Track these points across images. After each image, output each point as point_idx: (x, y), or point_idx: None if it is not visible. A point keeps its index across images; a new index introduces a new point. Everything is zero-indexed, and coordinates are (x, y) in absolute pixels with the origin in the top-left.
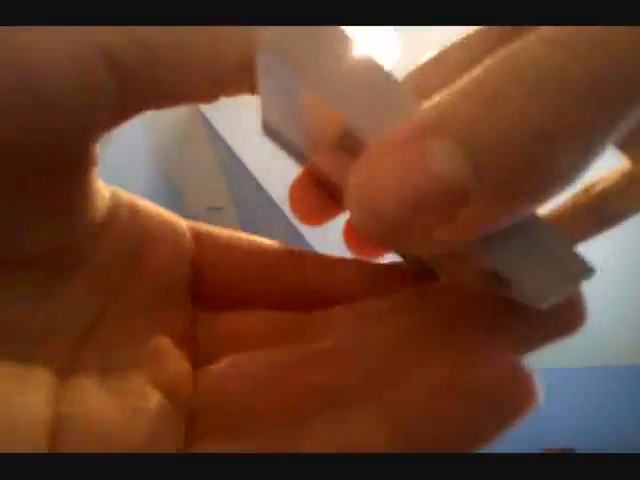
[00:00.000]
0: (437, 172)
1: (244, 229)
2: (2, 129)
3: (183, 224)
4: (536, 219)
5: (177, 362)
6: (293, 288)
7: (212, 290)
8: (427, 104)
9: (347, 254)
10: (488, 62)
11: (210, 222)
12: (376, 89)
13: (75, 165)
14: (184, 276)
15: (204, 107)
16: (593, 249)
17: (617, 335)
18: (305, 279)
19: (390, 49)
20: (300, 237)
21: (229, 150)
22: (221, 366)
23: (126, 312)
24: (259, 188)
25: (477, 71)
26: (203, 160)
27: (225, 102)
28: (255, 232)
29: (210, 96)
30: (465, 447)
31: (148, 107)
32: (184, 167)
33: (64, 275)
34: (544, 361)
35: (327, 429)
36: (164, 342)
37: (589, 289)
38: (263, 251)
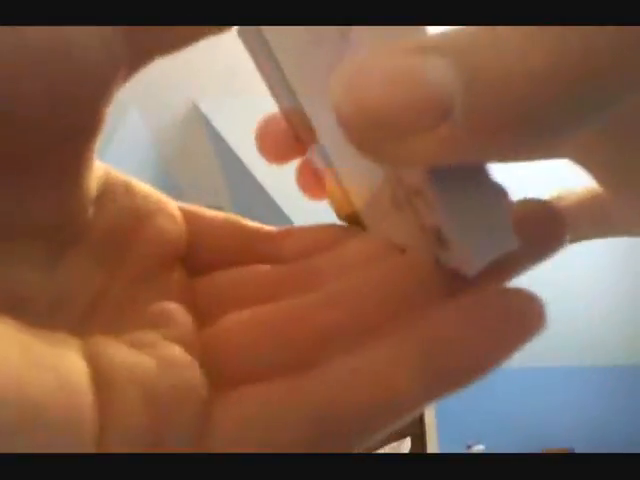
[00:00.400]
0: (428, 78)
1: None
2: (30, 97)
3: (173, 201)
4: (493, 183)
5: (184, 321)
6: (270, 260)
7: (201, 260)
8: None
9: None
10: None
11: None
12: None
13: (87, 131)
14: (179, 245)
15: (204, 107)
16: (591, 250)
17: (617, 335)
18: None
19: None
20: None
21: (229, 150)
22: (223, 322)
23: (131, 278)
24: (259, 188)
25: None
26: (203, 160)
27: (225, 101)
28: None
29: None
30: (481, 372)
31: (158, 56)
32: (184, 166)
33: (68, 246)
34: (544, 360)
35: (345, 366)
36: (169, 304)
37: (591, 290)
38: (244, 225)
